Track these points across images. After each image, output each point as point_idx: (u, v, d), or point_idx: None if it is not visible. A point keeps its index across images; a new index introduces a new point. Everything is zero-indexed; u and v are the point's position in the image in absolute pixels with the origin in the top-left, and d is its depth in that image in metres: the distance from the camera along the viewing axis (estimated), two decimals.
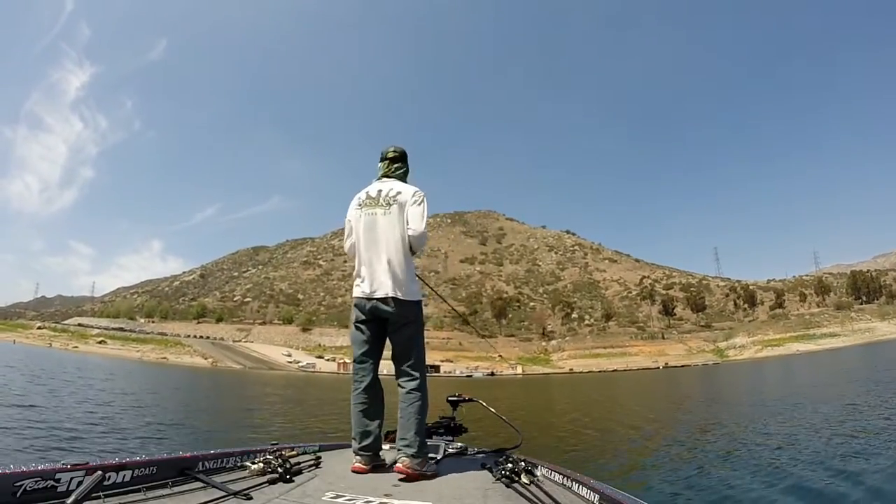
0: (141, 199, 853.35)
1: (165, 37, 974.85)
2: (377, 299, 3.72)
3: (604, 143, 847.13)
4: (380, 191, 3.98)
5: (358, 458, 3.51)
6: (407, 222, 3.86)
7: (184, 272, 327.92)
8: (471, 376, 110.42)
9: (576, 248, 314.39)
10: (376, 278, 3.75)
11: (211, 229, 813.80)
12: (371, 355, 3.84)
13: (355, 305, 3.83)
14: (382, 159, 4.23)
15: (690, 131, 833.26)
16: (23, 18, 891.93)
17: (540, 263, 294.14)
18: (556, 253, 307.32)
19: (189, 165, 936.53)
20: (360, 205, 3.97)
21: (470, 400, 5.09)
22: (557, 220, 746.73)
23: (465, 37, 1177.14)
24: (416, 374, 3.75)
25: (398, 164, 4.21)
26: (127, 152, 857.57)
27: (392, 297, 3.70)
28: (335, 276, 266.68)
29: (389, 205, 3.89)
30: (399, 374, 3.78)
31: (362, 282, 3.79)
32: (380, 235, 3.83)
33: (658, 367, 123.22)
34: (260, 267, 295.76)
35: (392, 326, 3.80)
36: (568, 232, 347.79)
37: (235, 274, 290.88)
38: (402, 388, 3.73)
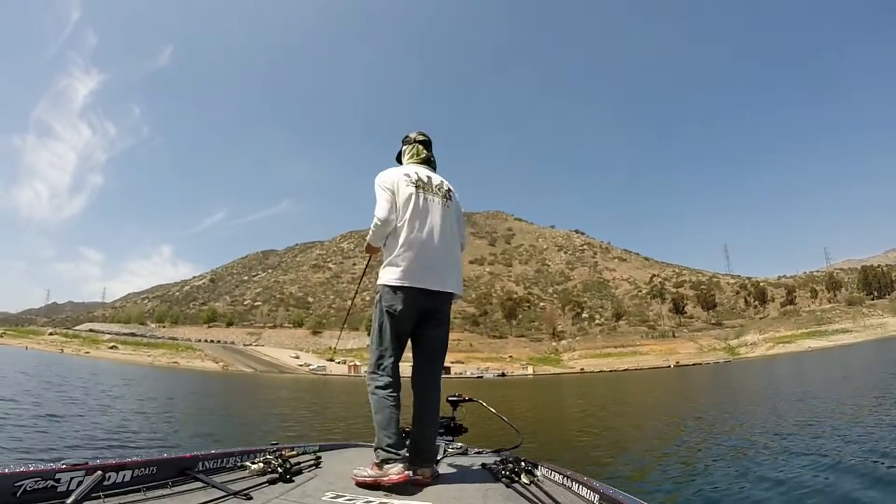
0: (150, 205, 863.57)
1: (172, 43, 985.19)
2: (438, 293, 3.42)
3: (611, 141, 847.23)
4: (430, 178, 3.65)
5: (400, 465, 3.02)
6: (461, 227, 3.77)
7: (194, 277, 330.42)
8: (482, 377, 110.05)
9: (585, 247, 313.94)
10: (440, 270, 3.44)
11: (220, 234, 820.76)
12: (403, 351, 3.46)
13: (402, 292, 3.33)
14: (413, 142, 3.89)
15: (697, 128, 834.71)
16: (29, 27, 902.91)
17: (549, 263, 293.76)
18: (565, 253, 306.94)
19: (197, 170, 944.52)
20: (413, 183, 3.53)
21: (470, 400, 4.99)
22: (566, 220, 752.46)
23: (472, 37, 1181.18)
24: (440, 377, 3.54)
25: (431, 154, 3.93)
26: (135, 158, 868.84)
27: (452, 293, 3.51)
28: (345, 278, 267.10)
29: (448, 198, 3.65)
30: (427, 375, 3.51)
31: (412, 268, 3.35)
32: (443, 227, 3.53)
33: (669, 366, 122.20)
34: (269, 271, 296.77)
35: (434, 324, 3.50)
36: (577, 231, 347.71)
37: (245, 278, 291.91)
38: (427, 391, 3.48)
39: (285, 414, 22.35)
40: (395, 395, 3.33)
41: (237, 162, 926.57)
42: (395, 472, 2.97)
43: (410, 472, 3.07)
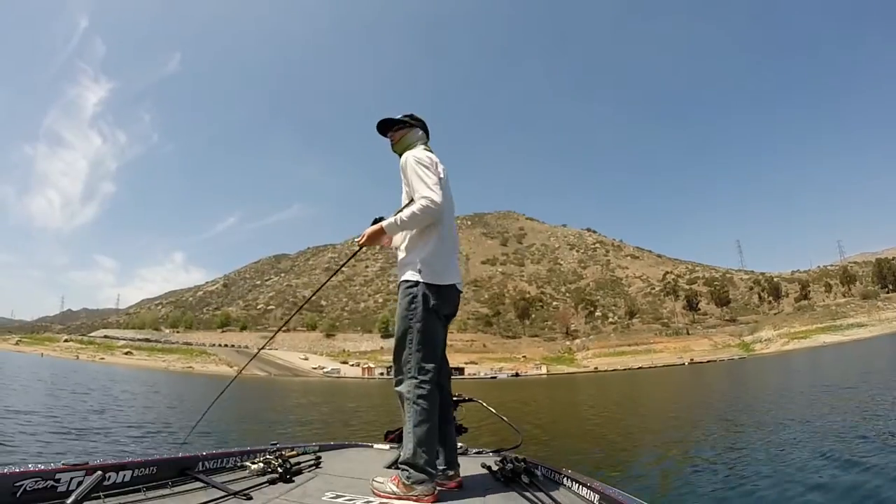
0: (162, 212, 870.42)
1: (180, 50, 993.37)
2: (461, 293, 3.27)
3: (621, 139, 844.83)
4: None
5: (431, 485, 2.81)
6: None
7: (207, 282, 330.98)
8: (495, 377, 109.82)
9: (597, 245, 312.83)
10: (459, 271, 3.29)
11: (232, 239, 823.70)
12: None
13: (446, 291, 3.13)
14: (419, 125, 3.56)
15: (708, 124, 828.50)
16: (38, 37, 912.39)
17: (562, 262, 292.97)
18: (577, 251, 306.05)
19: (209, 176, 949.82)
20: (444, 173, 3.32)
21: (470, 400, 4.88)
22: (578, 219, 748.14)
23: (482, 37, 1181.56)
24: None
25: None
26: (146, 166, 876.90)
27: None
28: (357, 281, 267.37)
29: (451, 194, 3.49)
30: (444, 377, 3.25)
31: (453, 266, 3.21)
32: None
33: (683, 364, 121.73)
34: (282, 275, 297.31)
35: (449, 324, 3.29)
36: (589, 230, 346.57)
37: (258, 282, 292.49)
38: (446, 392, 3.31)
39: (324, 418, 22.14)
40: (438, 406, 3.07)
41: (248, 166, 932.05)
42: (426, 492, 2.76)
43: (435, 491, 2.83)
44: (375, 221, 3.23)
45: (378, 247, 3.44)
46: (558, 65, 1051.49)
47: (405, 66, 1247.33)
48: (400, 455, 3.55)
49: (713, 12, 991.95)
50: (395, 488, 2.75)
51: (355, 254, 3.67)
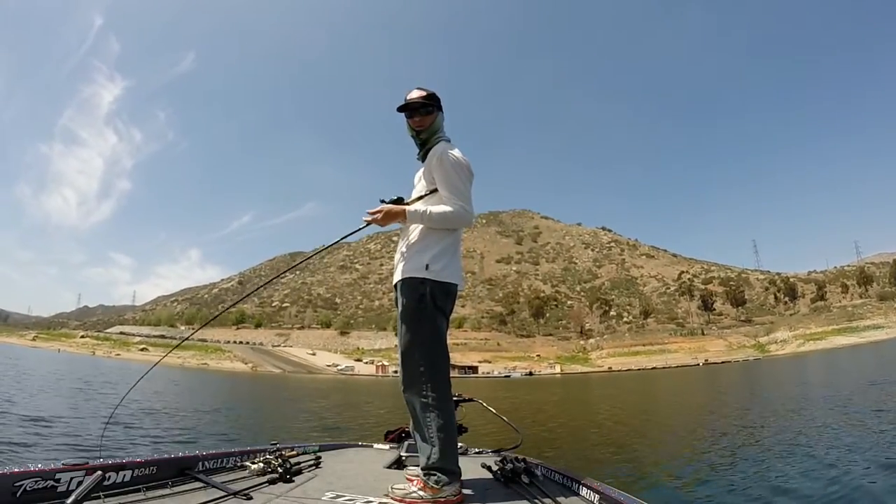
0: (178, 209, 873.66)
1: (194, 48, 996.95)
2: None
3: (637, 137, 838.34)
4: None
5: (457, 485, 2.75)
6: None
7: (222, 279, 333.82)
8: (509, 377, 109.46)
9: (612, 244, 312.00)
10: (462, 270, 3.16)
11: (248, 236, 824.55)
12: None
13: (453, 291, 3.04)
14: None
15: (724, 122, 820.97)
16: (53, 35, 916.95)
17: (576, 261, 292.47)
18: (592, 250, 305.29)
19: (224, 173, 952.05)
20: None
21: (470, 400, 4.88)
22: (593, 217, 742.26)
23: (496, 34, 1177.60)
24: None
25: None
26: (162, 163, 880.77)
27: None
28: (371, 279, 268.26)
29: None
30: None
31: (459, 267, 3.10)
32: None
33: (698, 364, 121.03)
34: (297, 272, 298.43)
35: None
36: (604, 228, 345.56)
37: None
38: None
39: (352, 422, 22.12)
40: (454, 407, 3.07)
41: (263, 165, 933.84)
42: (453, 493, 2.69)
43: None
44: (394, 201, 3.10)
45: (380, 227, 3.24)
46: (573, 62, 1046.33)
47: (419, 64, 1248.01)
48: (401, 456, 3.55)
49: (731, 9, 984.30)
50: (421, 492, 2.65)
51: (361, 229, 3.27)
